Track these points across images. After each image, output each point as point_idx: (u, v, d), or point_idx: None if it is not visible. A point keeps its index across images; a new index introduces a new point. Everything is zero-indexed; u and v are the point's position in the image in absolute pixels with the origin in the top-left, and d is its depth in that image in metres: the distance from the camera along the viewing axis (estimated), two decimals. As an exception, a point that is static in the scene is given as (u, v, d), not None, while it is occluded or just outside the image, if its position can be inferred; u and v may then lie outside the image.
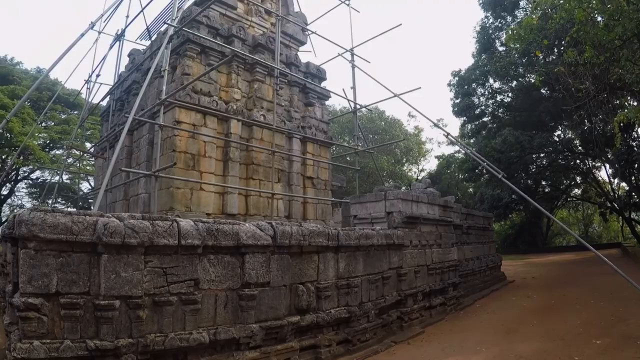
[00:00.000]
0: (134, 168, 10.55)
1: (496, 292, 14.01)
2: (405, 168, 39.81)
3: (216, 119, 9.90)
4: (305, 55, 13.34)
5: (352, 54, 13.07)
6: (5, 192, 23.42)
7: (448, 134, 11.02)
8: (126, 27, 12.21)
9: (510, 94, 24.99)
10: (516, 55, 20.59)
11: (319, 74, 12.86)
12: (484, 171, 25.76)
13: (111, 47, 12.84)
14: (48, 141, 22.72)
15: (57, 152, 20.89)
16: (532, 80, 22.94)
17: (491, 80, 24.52)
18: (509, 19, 22.72)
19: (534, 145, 22.66)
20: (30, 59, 77.56)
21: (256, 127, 10.49)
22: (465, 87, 24.75)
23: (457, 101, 25.32)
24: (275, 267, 6.48)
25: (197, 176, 9.29)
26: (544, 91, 22.50)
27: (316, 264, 7.14)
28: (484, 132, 25.93)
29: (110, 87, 12.96)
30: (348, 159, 28.53)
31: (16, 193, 25.11)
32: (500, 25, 23.40)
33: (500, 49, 23.13)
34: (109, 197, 11.75)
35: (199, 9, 9.98)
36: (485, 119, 26.31)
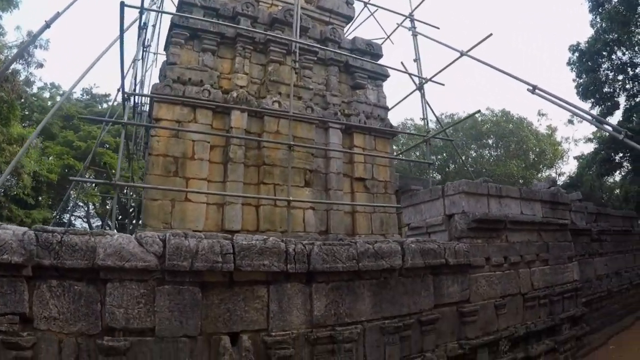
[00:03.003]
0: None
1: (643, 320, 9.52)
2: (543, 174, 32.98)
3: (211, 113, 7.84)
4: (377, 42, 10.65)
5: (412, 20, 9.96)
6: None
7: (534, 86, 7.16)
8: (144, 37, 11.03)
9: None
10: None
11: (370, 50, 10.01)
12: (624, 159, 19.43)
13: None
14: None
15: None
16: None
17: (619, 53, 19.06)
18: None
19: (684, 120, 16.21)
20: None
21: (269, 118, 8.14)
22: (589, 62, 19.49)
23: (581, 81, 19.90)
24: (167, 306, 3.94)
25: (181, 184, 7.25)
26: None
27: (264, 302, 4.33)
28: (619, 115, 19.89)
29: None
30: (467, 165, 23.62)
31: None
32: None
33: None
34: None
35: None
36: (617, 98, 20.17)
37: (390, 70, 10.25)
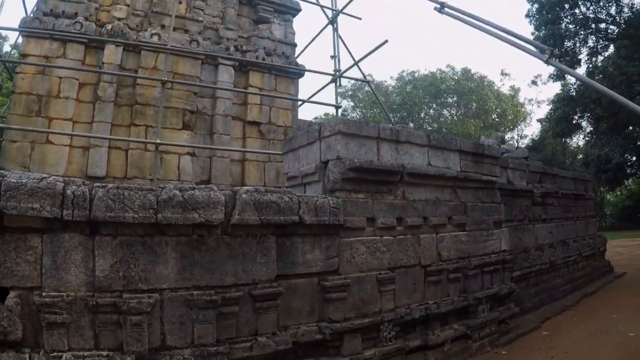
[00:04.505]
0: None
1: (590, 298, 8.41)
2: (505, 135, 32.59)
3: (83, 47, 7.35)
4: None
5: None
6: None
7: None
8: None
9: (608, 21, 18.36)
10: None
11: (279, -17, 9.26)
12: (584, 118, 18.94)
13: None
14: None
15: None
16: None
17: (583, 8, 18.23)
18: None
19: (648, 77, 15.53)
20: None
21: (147, 53, 7.66)
22: (549, 15, 18.42)
23: (540, 34, 18.83)
24: None
25: (43, 124, 6.93)
26: None
27: (38, 254, 4.03)
28: (580, 72, 19.25)
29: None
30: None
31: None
32: None
33: None
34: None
35: None
36: (578, 55, 19.39)
37: (305, 7, 9.56)
